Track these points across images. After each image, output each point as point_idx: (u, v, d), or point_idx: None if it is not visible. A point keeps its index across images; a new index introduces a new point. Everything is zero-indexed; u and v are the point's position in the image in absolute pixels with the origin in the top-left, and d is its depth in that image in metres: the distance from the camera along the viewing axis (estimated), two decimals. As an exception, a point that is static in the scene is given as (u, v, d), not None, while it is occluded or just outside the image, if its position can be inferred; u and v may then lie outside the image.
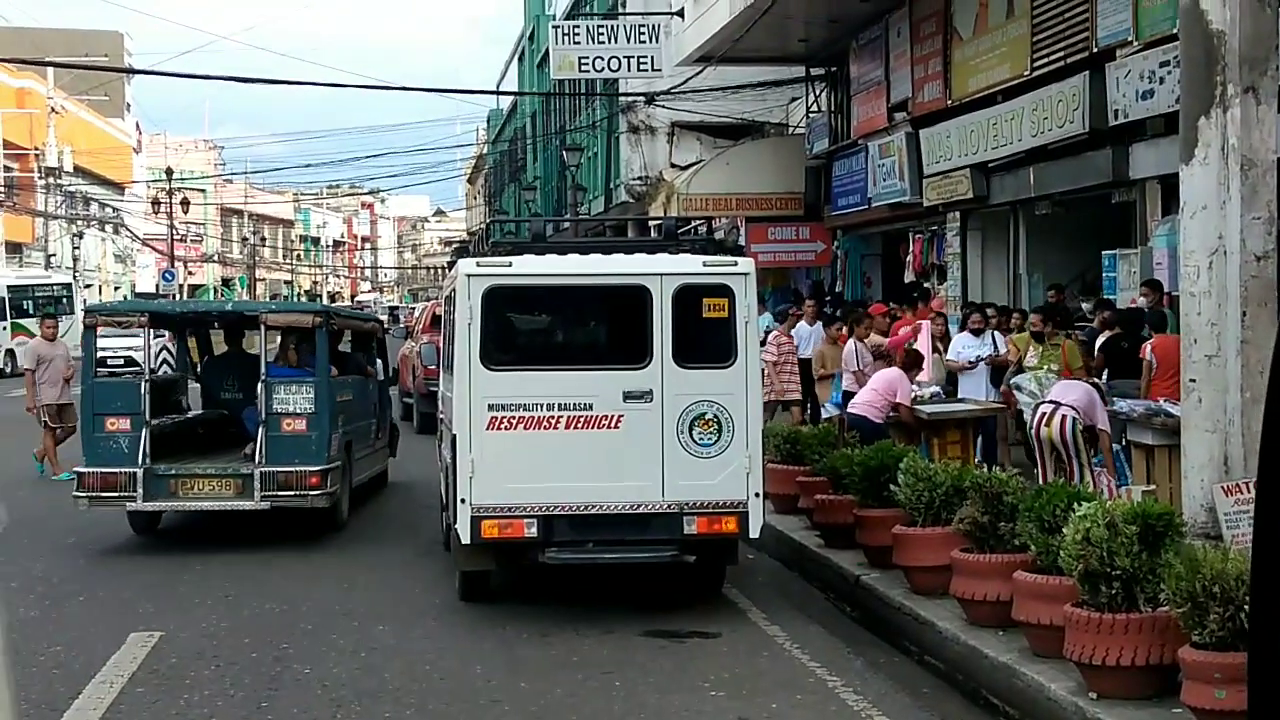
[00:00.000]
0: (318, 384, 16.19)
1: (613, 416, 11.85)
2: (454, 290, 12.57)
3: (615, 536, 11.89)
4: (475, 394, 11.80)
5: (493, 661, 10.77)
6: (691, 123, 37.11)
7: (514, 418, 11.80)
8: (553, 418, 11.83)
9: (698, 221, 13.78)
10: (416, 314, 44.11)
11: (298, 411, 15.88)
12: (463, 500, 11.76)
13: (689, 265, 12.13)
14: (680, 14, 32.21)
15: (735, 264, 12.18)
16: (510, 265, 11.95)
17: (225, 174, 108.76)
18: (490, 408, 11.80)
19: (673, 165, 37.50)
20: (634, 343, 12.03)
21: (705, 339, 12.04)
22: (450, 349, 13.05)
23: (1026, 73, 22.26)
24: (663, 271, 12.00)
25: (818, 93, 32.71)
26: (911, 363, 16.72)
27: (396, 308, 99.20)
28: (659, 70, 31.78)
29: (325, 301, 78.23)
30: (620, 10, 36.44)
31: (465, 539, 11.79)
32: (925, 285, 26.36)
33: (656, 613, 12.24)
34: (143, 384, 16.33)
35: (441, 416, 14.84)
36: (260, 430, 15.89)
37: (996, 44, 23.51)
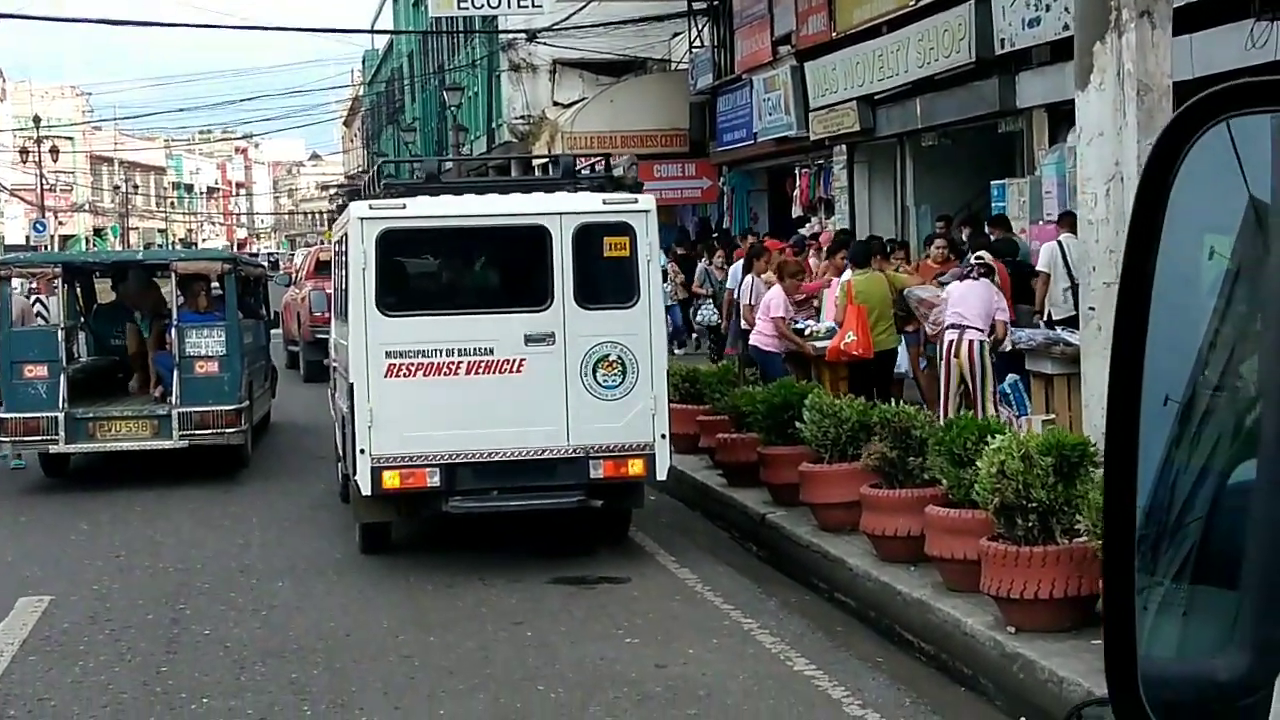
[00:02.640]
0: (229, 327, 16.79)
1: (514, 361, 11.59)
2: (345, 234, 12.23)
3: (520, 483, 11.65)
4: (372, 341, 11.48)
5: (399, 615, 10.52)
6: (573, 60, 36.64)
7: (413, 365, 11.49)
8: (453, 364, 11.54)
9: (596, 158, 13.44)
10: (297, 261, 43.35)
11: (210, 354, 16.51)
12: (362, 451, 11.44)
13: (588, 204, 11.87)
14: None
15: (635, 201, 11.93)
16: (404, 207, 11.62)
17: (94, 120, 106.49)
18: (388, 355, 11.48)
19: (555, 104, 37.05)
20: (534, 285, 11.76)
21: (607, 279, 11.80)
22: (343, 295, 12.71)
23: (912, 3, 22.15)
24: (561, 210, 11.73)
25: (700, 27, 32.42)
26: (790, 273, 16.43)
27: (275, 254, 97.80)
28: (540, 6, 31.26)
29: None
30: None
31: (366, 490, 11.48)
32: (803, 231, 26.13)
33: (563, 559, 12.03)
34: (59, 332, 17.02)
35: (334, 364, 14.50)
36: (174, 373, 16.43)
37: (881, -28, 23.34)
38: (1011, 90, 20.08)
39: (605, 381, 11.65)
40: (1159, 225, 1.55)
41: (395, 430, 11.43)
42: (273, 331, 22.73)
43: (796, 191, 28.60)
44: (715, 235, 30.45)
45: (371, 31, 52.18)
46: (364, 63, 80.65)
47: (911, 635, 9.61)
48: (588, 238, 11.71)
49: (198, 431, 16.30)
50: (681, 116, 32.58)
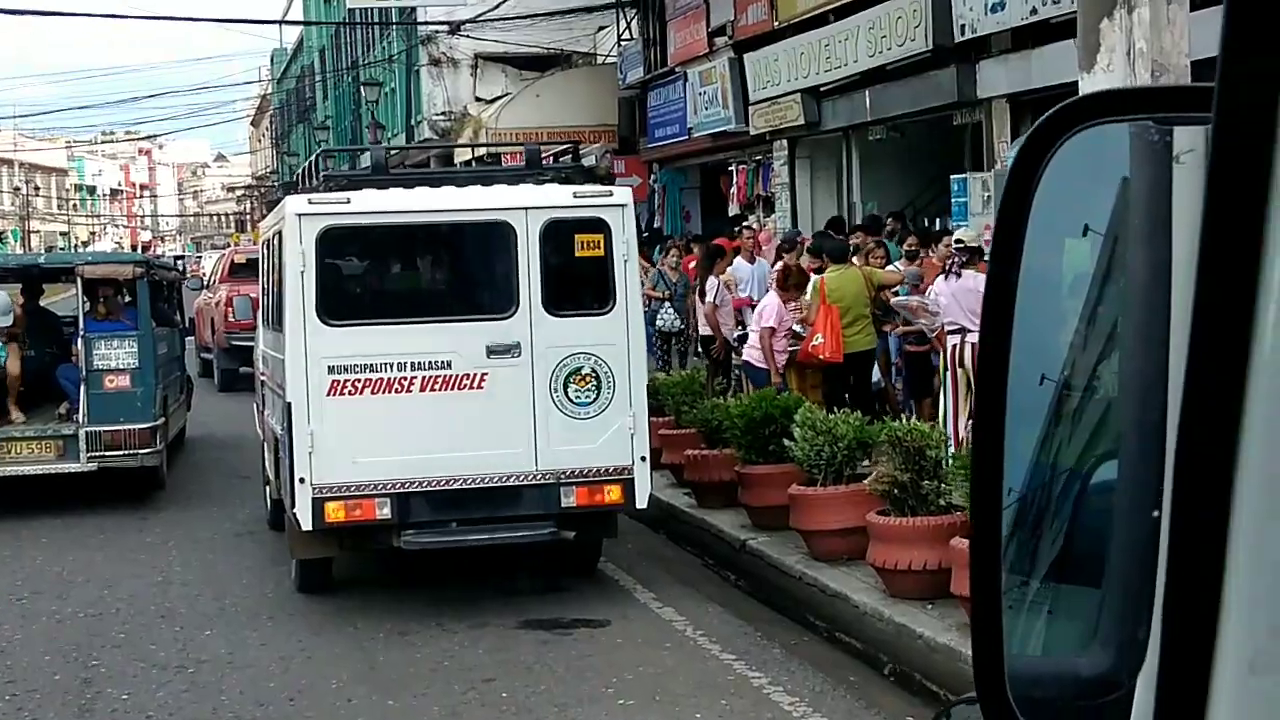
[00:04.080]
0: (141, 338, 15.12)
1: (475, 375, 10.13)
2: (279, 233, 10.72)
3: (483, 514, 10.20)
4: (312, 355, 9.98)
5: (349, 670, 9.04)
6: (496, 54, 35.18)
7: (360, 381, 10.00)
8: (405, 379, 10.06)
9: (563, 145, 11.91)
10: (205, 264, 41.80)
11: (121, 367, 14.85)
12: (301, 480, 9.93)
13: (557, 197, 10.42)
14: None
15: (610, 194, 10.52)
16: (348, 202, 10.11)
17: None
18: (331, 370, 9.98)
19: (478, 99, 35.57)
20: (497, 289, 10.33)
21: (579, 282, 10.39)
22: (275, 302, 11.20)
23: (862, -11, 20.94)
24: (527, 205, 10.28)
25: (629, 19, 31.04)
26: (794, 282, 14.73)
27: (181, 257, 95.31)
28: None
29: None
30: (418, -65, 34.27)
31: (306, 524, 9.98)
32: (745, 224, 24.83)
33: (530, 598, 10.59)
34: None
35: (263, 377, 12.93)
36: (81, 389, 14.79)
37: (827, -42, 22.11)
38: (971, 80, 18.88)
39: (578, 398, 10.23)
40: (1023, 230, 1.52)
41: (340, 456, 9.94)
42: (188, 340, 21.09)
43: (733, 189, 27.31)
44: (645, 235, 29.06)
45: (283, 23, 50.49)
46: (272, 60, 78.65)
47: (937, 686, 8.30)
48: (557, 235, 10.28)
49: (109, 453, 14.63)
50: (610, 112, 31.17)
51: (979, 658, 1.56)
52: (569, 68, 34.46)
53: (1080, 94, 1.76)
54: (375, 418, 10.00)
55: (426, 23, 35.27)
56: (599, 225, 10.30)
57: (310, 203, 10.09)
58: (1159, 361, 1.21)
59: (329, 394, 9.98)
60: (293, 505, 10.07)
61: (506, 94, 34.35)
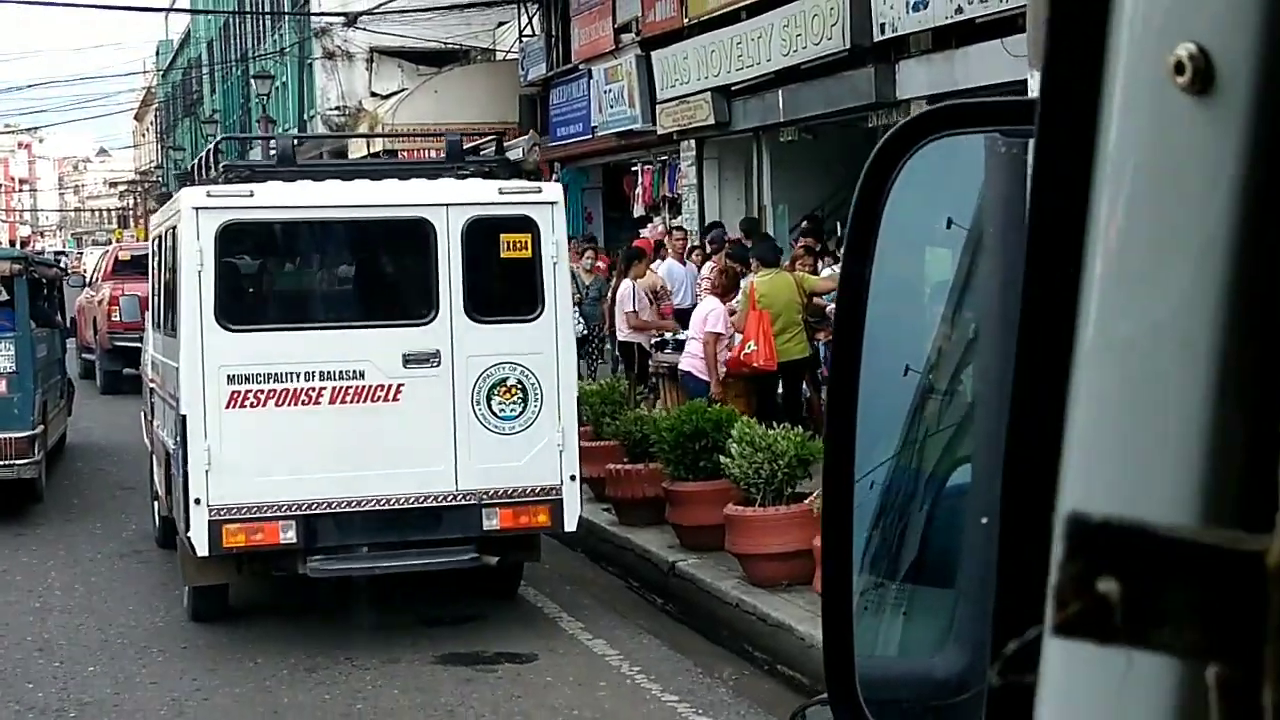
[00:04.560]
0: (19, 339, 13.84)
1: (390, 386, 9.24)
2: (173, 229, 9.75)
3: (398, 538, 9.30)
4: (209, 363, 9.03)
5: (249, 713, 8.14)
6: (392, 48, 34.09)
7: (262, 392, 9.07)
8: (313, 390, 9.14)
9: (488, 138, 10.97)
10: (88, 260, 40.51)
11: None
12: (197, 500, 8.98)
13: (481, 193, 9.54)
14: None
15: (539, 190, 9.68)
16: (251, 195, 9.16)
17: None
18: (231, 380, 9.04)
19: (374, 94, 34.46)
20: (415, 292, 9.45)
21: (504, 285, 9.52)
22: (168, 303, 10.23)
23: (777, -15, 20.26)
24: (449, 201, 9.39)
25: (530, 15, 30.16)
26: (730, 284, 13.89)
27: (62, 253, 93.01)
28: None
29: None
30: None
31: (202, 549, 9.03)
32: (644, 232, 24.08)
33: (446, 627, 9.71)
34: None
35: (152, 384, 11.91)
36: None
37: (740, -47, 21.42)
38: (890, 80, 18.26)
39: (502, 411, 9.37)
40: (874, 238, 1.53)
41: (240, 474, 9.01)
42: (68, 341, 19.89)
43: (638, 190, 26.56)
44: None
45: (171, 10, 48.90)
46: (158, 52, 76.66)
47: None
48: (480, 234, 9.41)
49: (-19, 464, 13.39)
50: (511, 109, 30.26)
51: (829, 659, 1.52)
52: (468, 64, 33.50)
53: (933, 106, 1.64)
54: (279, 432, 9.08)
55: (321, 14, 34.19)
56: (526, 224, 9.44)
57: (209, 195, 9.15)
58: (1009, 368, 0.95)
59: (228, 406, 9.05)
60: (187, 528, 9.12)
61: (403, 89, 33.34)
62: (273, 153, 10.28)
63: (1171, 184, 0.59)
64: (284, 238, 9.52)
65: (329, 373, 9.15)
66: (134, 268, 24.21)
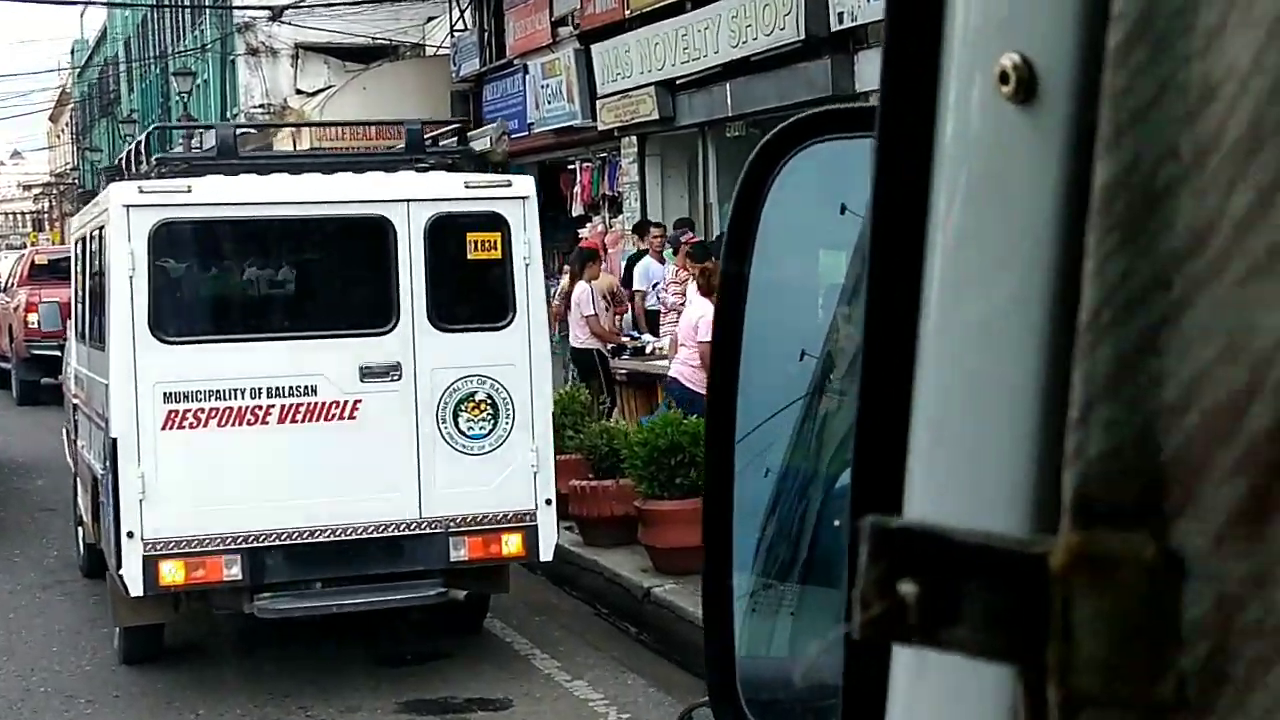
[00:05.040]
0: None
1: (346, 403, 8.28)
2: (100, 229, 8.73)
3: (355, 571, 8.33)
4: (143, 379, 8.03)
5: (194, 779, 7.14)
6: (318, 44, 32.95)
7: (203, 411, 8.08)
8: (259, 408, 8.16)
9: (449, 126, 9.94)
10: (4, 265, 39.33)
11: None
12: (130, 534, 7.98)
13: (445, 187, 8.59)
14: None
15: (508, 184, 8.76)
16: (189, 190, 8.17)
17: None
18: (167, 398, 8.04)
19: (299, 92, 33.30)
20: (373, 298, 8.47)
21: (472, 290, 8.57)
22: (94, 312, 9.21)
23: (725, -26, 19.47)
24: (409, 197, 8.44)
25: (462, 8, 29.16)
26: (712, 285, 12.88)
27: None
28: (285, -19, 27.79)
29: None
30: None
31: (136, 589, 8.03)
32: (583, 231, 23.19)
33: (409, 667, 8.75)
34: None
35: (76, 400, 10.84)
36: None
37: (686, -57, 20.62)
38: (849, 72, 17.53)
39: (470, 429, 8.43)
40: (752, 240, 1.51)
41: (178, 503, 8.02)
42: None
43: (576, 188, 25.68)
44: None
45: (89, 2, 47.35)
46: (72, 52, 74.97)
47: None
48: (445, 233, 8.47)
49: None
50: (443, 106, 29.18)
51: (710, 659, 1.51)
52: (397, 59, 32.45)
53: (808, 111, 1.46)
54: (222, 456, 8.09)
55: (244, 7, 33.02)
56: (496, 222, 8.51)
57: (141, 191, 8.13)
58: None
59: (164, 427, 8.05)
60: (118, 565, 8.10)
61: (330, 86, 32.24)
62: (208, 147, 9.26)
63: (1000, 188, 0.60)
64: (226, 238, 8.47)
65: (277, 389, 8.18)
66: (51, 272, 23.34)
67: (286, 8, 30.67)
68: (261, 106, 33.72)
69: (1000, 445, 0.58)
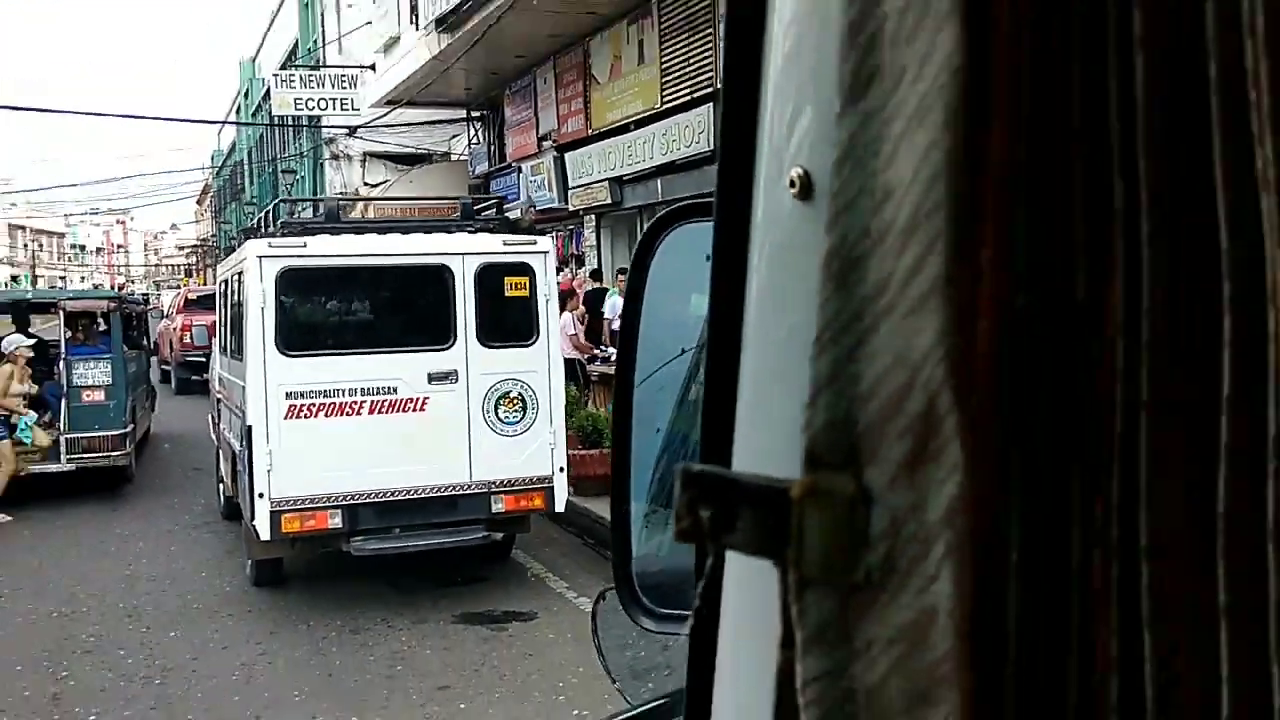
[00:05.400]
0: (114, 360, 11.85)
1: (418, 399, 7.40)
2: (239, 273, 7.81)
3: (423, 520, 7.45)
4: (271, 382, 7.12)
5: (309, 679, 6.24)
6: (379, 152, 31.67)
7: (314, 405, 7.18)
8: (355, 403, 7.27)
9: (490, 202, 9.12)
10: (164, 300, 38.03)
11: (96, 384, 11.65)
12: (261, 495, 7.08)
13: (490, 244, 7.72)
14: (372, 68, 27.33)
15: (535, 243, 7.91)
16: (305, 245, 7.27)
17: (9, 191, 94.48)
18: (288, 396, 7.14)
19: (366, 184, 32.09)
20: (437, 323, 7.58)
21: (508, 317, 7.70)
22: (235, 333, 8.26)
23: (657, 106, 18.56)
24: (464, 251, 7.57)
25: (477, 129, 28.17)
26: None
27: (146, 294, 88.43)
28: (358, 110, 26.68)
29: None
30: (322, 63, 30.75)
31: (265, 535, 7.14)
32: (561, 272, 22.36)
33: (460, 589, 7.89)
34: None
35: (219, 395, 9.85)
36: (62, 402, 11.55)
37: (630, 85, 19.66)
38: (742, 171, 16.64)
39: (506, 418, 7.57)
40: (643, 289, 1.46)
41: (295, 472, 7.12)
42: (152, 358, 17.53)
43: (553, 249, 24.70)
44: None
45: (225, 123, 45.94)
46: (212, 159, 73.20)
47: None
48: (489, 277, 7.61)
49: (86, 455, 11.39)
50: (464, 193, 28.24)
51: (616, 560, 1.46)
52: (431, 163, 31.33)
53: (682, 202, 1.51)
54: (327, 437, 7.19)
55: (330, 128, 31.77)
56: (525, 269, 7.67)
57: (270, 246, 7.22)
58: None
59: (286, 417, 7.15)
60: (252, 517, 7.20)
61: (386, 180, 31.06)
62: (320, 213, 8.33)
63: (789, 255, 0.59)
64: (331, 280, 7.54)
65: (368, 389, 7.29)
66: (198, 304, 22.49)
67: (358, 127, 29.50)
68: (340, 193, 32.49)
69: (777, 418, 0.57)
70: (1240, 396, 0.42)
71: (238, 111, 52.19)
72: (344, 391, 7.22)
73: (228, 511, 9.72)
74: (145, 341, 16.04)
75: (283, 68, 32.26)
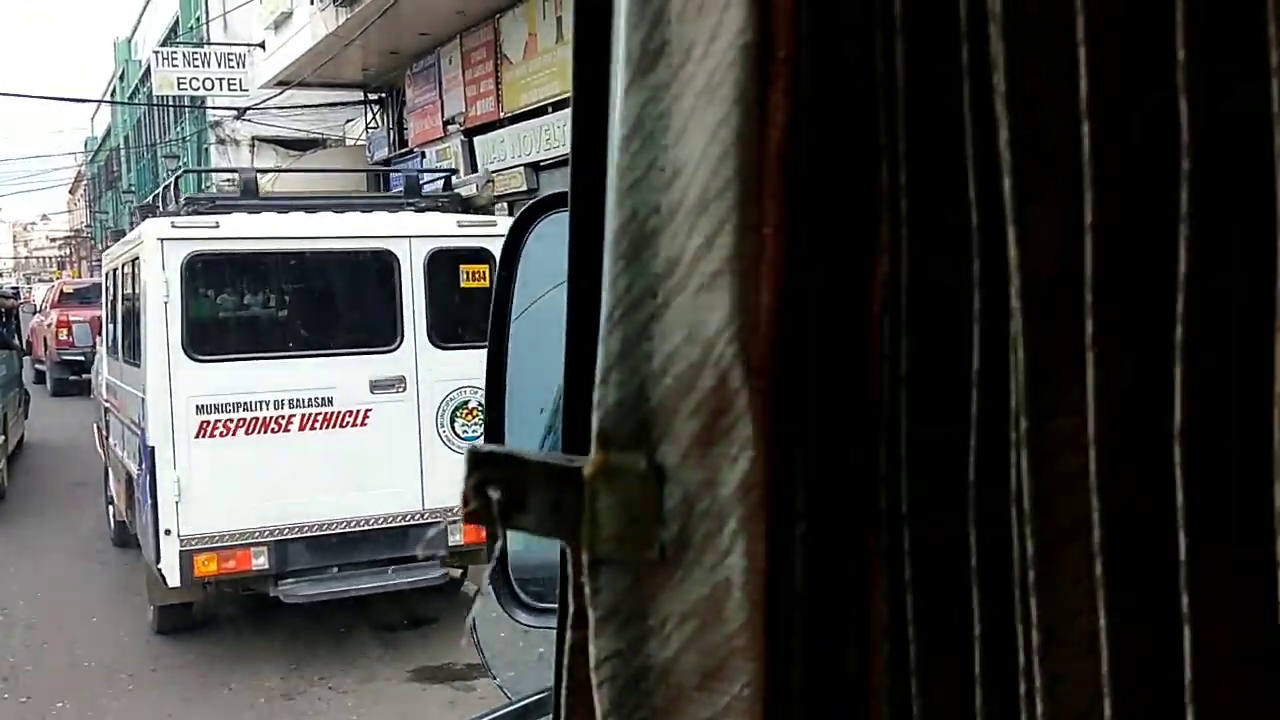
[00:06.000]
0: None
1: (358, 411, 6.14)
2: (134, 259, 6.42)
3: (368, 557, 6.20)
4: (178, 394, 5.79)
5: (235, 760, 4.96)
6: (269, 136, 29.77)
7: (231, 420, 5.87)
8: (282, 417, 5.98)
9: (440, 174, 7.78)
10: (38, 293, 35.78)
11: None
12: (167, 531, 5.75)
13: (441, 226, 6.47)
14: (262, 45, 25.58)
15: (494, 224, 6.69)
16: (217, 226, 5.94)
17: None
18: (200, 410, 5.82)
19: (256, 171, 30.25)
20: (380, 321, 6.32)
21: (464, 313, 6.46)
22: (127, 332, 6.87)
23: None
24: (411, 233, 6.31)
25: (374, 113, 26.59)
26: None
27: (16, 288, 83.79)
28: (246, 91, 24.92)
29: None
30: (207, 40, 28.72)
31: (174, 580, 5.81)
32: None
33: (408, 634, 6.64)
34: None
35: (107, 404, 8.38)
36: None
37: (547, 65, 18.44)
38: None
39: (465, 432, 6.34)
40: (514, 276, 1.48)
41: (211, 504, 5.80)
42: (25, 358, 15.68)
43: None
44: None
45: (103, 102, 43.16)
46: (85, 146, 69.33)
47: None
48: (441, 266, 6.37)
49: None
50: (361, 181, 26.62)
51: (492, 556, 1.29)
52: (326, 148, 29.57)
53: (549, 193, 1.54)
54: (250, 460, 5.89)
55: (216, 108, 29.73)
56: (484, 256, 6.43)
57: (174, 226, 5.87)
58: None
59: (197, 435, 5.83)
60: (157, 559, 5.85)
61: (278, 166, 29.25)
62: (236, 185, 6.94)
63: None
64: (250, 268, 6.21)
65: (298, 400, 6.00)
66: (74, 298, 21.10)
67: (247, 109, 27.67)
68: (229, 180, 30.55)
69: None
70: (987, 370, 0.43)
71: (113, 94, 49.24)
72: (268, 404, 5.93)
73: (119, 537, 8.31)
74: (17, 340, 14.25)
75: (163, 45, 30.15)
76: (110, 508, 8.65)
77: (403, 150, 25.03)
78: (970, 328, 0.44)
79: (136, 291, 6.24)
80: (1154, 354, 0.39)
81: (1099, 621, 0.40)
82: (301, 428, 5.98)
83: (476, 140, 20.87)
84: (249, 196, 6.45)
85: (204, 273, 5.92)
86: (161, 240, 5.76)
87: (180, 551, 5.74)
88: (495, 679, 1.65)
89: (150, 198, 7.78)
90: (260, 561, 5.90)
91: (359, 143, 27.95)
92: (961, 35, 0.43)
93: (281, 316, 6.31)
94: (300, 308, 6.32)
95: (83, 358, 18.50)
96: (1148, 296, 0.40)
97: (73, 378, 18.83)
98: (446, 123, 22.60)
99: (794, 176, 0.47)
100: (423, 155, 23.49)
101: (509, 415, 1.49)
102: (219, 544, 5.81)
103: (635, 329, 0.49)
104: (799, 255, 0.47)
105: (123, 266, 7.09)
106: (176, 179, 6.93)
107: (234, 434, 5.86)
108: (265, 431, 5.92)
